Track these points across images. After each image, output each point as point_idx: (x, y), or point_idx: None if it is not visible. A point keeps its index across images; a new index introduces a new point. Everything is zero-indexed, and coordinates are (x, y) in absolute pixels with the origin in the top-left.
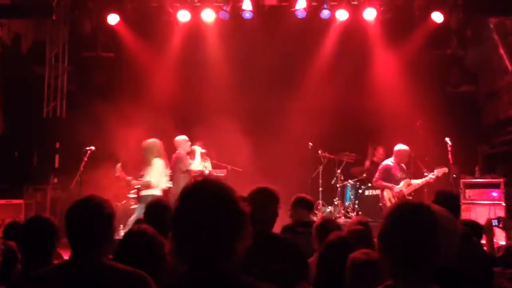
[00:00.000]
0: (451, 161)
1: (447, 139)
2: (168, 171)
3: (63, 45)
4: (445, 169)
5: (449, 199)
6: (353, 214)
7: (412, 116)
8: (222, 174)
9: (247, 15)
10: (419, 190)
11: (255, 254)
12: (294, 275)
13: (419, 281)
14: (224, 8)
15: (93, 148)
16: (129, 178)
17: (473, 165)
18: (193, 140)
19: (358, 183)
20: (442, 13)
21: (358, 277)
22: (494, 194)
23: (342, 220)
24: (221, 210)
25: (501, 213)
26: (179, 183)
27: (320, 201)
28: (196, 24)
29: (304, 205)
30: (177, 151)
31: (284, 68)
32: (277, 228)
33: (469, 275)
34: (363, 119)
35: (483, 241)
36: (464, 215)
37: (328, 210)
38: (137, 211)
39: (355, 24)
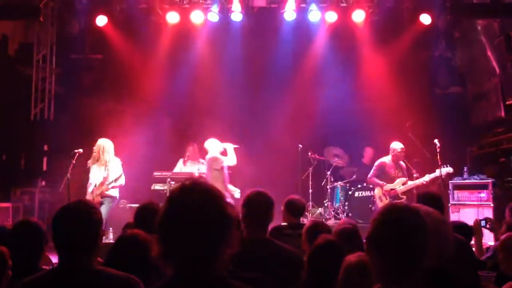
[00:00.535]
0: (439, 162)
1: (435, 141)
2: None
3: (51, 47)
4: (450, 169)
5: (432, 200)
6: (343, 216)
7: (401, 117)
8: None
9: (236, 17)
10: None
11: (248, 258)
12: (285, 281)
13: (407, 284)
14: (213, 10)
15: (81, 150)
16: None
17: (461, 166)
18: (186, 142)
19: (348, 185)
20: (430, 15)
21: (352, 281)
22: (482, 195)
23: (332, 221)
24: (208, 214)
25: (489, 214)
26: (214, 182)
27: (310, 203)
28: (185, 26)
29: (292, 211)
30: (209, 154)
31: (273, 70)
32: None
33: (459, 277)
34: (352, 120)
35: (472, 242)
36: (453, 217)
37: (318, 211)
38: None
39: (344, 26)
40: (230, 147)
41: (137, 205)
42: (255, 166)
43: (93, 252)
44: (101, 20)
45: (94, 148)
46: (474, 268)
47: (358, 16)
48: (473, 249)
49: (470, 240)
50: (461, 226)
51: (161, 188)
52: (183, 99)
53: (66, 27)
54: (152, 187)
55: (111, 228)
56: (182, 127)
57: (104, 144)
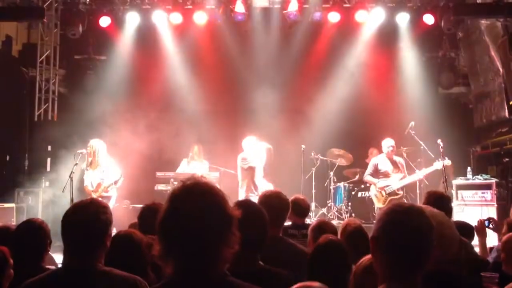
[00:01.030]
0: (443, 163)
1: (439, 141)
2: None
3: (54, 48)
4: (449, 162)
5: (441, 200)
6: (346, 216)
7: (404, 117)
8: (216, 176)
9: (239, 17)
10: (412, 190)
11: (264, 255)
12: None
13: (412, 285)
14: (216, 10)
15: (84, 151)
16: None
17: (465, 166)
18: (189, 143)
19: (351, 185)
20: (433, 15)
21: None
22: (486, 195)
23: (335, 222)
24: (208, 214)
25: (493, 214)
26: (242, 182)
27: (313, 203)
28: (188, 26)
29: (297, 211)
30: (242, 152)
31: (276, 70)
32: None
33: (460, 278)
34: (355, 120)
35: (476, 243)
36: (456, 216)
37: (321, 212)
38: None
39: (347, 26)
40: (263, 147)
41: (140, 205)
42: None
43: (101, 252)
44: (105, 21)
45: (88, 149)
46: (476, 268)
47: (361, 16)
48: (477, 249)
49: (472, 240)
50: (462, 226)
51: (164, 188)
52: (187, 99)
53: (69, 28)
54: (155, 188)
55: (114, 229)
56: (185, 128)
57: (97, 145)
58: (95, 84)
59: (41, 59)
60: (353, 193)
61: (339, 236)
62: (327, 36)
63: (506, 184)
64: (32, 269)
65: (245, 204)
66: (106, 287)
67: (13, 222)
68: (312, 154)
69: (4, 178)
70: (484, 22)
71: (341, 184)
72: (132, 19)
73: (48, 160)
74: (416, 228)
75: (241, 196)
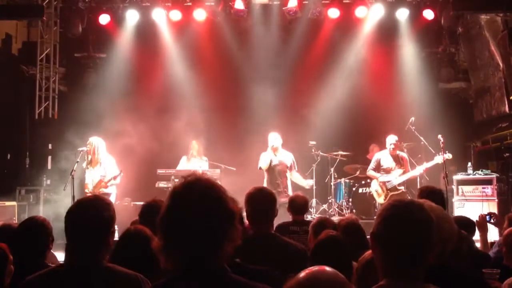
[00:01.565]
0: (443, 158)
1: (439, 136)
2: None
3: (54, 46)
4: (449, 155)
5: (433, 194)
6: (347, 212)
7: (405, 113)
8: (217, 173)
9: (239, 14)
10: (413, 186)
11: (254, 253)
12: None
13: (413, 280)
14: (215, 7)
15: (85, 149)
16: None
17: (465, 161)
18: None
19: (351, 181)
20: (433, 10)
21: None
22: (487, 190)
23: (335, 218)
24: (209, 209)
25: (494, 209)
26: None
27: (314, 199)
28: (187, 24)
29: (294, 209)
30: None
31: (276, 66)
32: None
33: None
34: (356, 117)
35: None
36: (457, 212)
37: (322, 208)
38: None
39: (347, 22)
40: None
41: (141, 202)
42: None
43: (104, 249)
44: (104, 19)
45: (87, 147)
46: (477, 262)
47: (361, 12)
48: (478, 244)
49: (473, 235)
50: (463, 221)
51: (165, 185)
52: (186, 97)
53: (69, 26)
54: (156, 185)
55: (116, 226)
56: (185, 125)
57: (97, 143)
58: (95, 82)
59: (41, 57)
60: (353, 189)
61: None
62: (326, 33)
63: (507, 179)
64: (35, 266)
65: None
66: (108, 283)
67: (15, 220)
68: (313, 150)
69: (5, 177)
70: (483, 17)
71: (342, 180)
72: (131, 17)
73: (49, 158)
74: (416, 223)
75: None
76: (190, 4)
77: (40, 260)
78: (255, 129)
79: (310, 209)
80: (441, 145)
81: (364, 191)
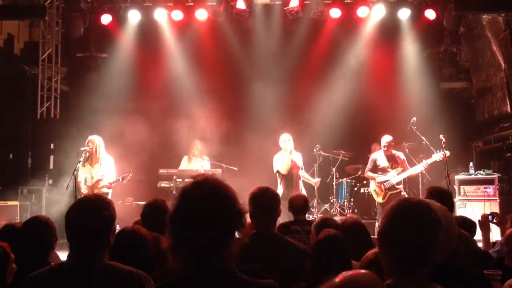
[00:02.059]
0: (445, 158)
1: (441, 136)
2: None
3: (56, 46)
4: (447, 152)
5: (442, 195)
6: (348, 212)
7: (406, 113)
8: (219, 173)
9: (241, 14)
10: (415, 186)
11: (256, 252)
12: (293, 275)
13: (419, 279)
14: (217, 7)
15: (87, 148)
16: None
17: (467, 161)
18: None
19: (353, 181)
20: (434, 10)
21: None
22: (489, 190)
23: (337, 218)
24: (218, 209)
25: (496, 209)
26: (278, 184)
27: (316, 199)
28: (189, 24)
29: (294, 209)
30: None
31: (278, 66)
32: None
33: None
34: (357, 116)
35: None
36: (459, 212)
37: (324, 208)
38: None
39: (349, 22)
40: (288, 148)
41: (143, 202)
42: (261, 163)
43: (105, 247)
44: (106, 19)
45: (90, 145)
46: (478, 261)
47: (363, 12)
48: (480, 244)
49: (474, 235)
50: (463, 221)
51: (167, 185)
52: (188, 96)
53: (71, 26)
54: (158, 185)
55: (118, 226)
56: (187, 124)
57: (99, 142)
58: (97, 82)
59: (43, 57)
60: (355, 189)
61: None
62: (328, 32)
63: (509, 179)
64: (39, 265)
65: None
66: (109, 281)
67: (17, 219)
68: (315, 150)
69: (7, 176)
70: (485, 17)
71: (344, 180)
72: (133, 17)
73: (51, 158)
74: (423, 223)
75: None
76: (191, 4)
77: (44, 259)
78: (257, 129)
79: (312, 209)
80: (443, 145)
81: (365, 191)
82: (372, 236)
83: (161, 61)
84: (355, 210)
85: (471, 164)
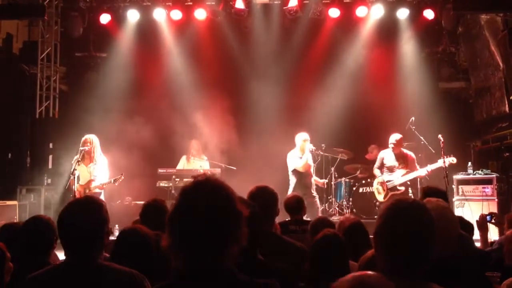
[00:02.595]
0: (443, 158)
1: (439, 136)
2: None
3: (55, 45)
4: (454, 159)
5: (437, 195)
6: (347, 212)
7: (405, 112)
8: (218, 173)
9: (240, 13)
10: (413, 186)
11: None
12: (293, 275)
13: (416, 279)
14: (216, 6)
15: (86, 148)
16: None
17: (465, 161)
18: (188, 138)
19: (352, 181)
20: (433, 10)
21: None
22: (487, 190)
23: (336, 217)
24: (218, 210)
25: (494, 208)
26: (290, 183)
27: None
28: (188, 23)
29: (289, 210)
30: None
31: (277, 66)
32: None
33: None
34: (356, 116)
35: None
36: (457, 212)
37: (322, 207)
38: None
39: (347, 22)
40: (307, 148)
41: (142, 202)
42: (259, 162)
43: (99, 248)
44: (105, 18)
45: (87, 144)
46: (477, 261)
47: (361, 11)
48: (478, 243)
49: (472, 235)
50: (460, 221)
51: (166, 185)
52: (187, 96)
53: (70, 26)
54: (157, 184)
55: (116, 225)
56: (186, 124)
57: (96, 141)
58: (95, 81)
59: (41, 57)
60: (354, 188)
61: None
62: (327, 32)
63: (507, 179)
64: (39, 265)
65: None
66: (105, 281)
67: (16, 219)
68: (313, 149)
69: (6, 176)
70: (484, 17)
71: (342, 180)
72: (132, 16)
73: (50, 157)
74: (417, 223)
75: None
76: (190, 3)
77: (44, 259)
78: (255, 128)
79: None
80: (441, 145)
81: (364, 191)
82: (371, 236)
83: (160, 60)
84: (354, 210)
85: (469, 164)
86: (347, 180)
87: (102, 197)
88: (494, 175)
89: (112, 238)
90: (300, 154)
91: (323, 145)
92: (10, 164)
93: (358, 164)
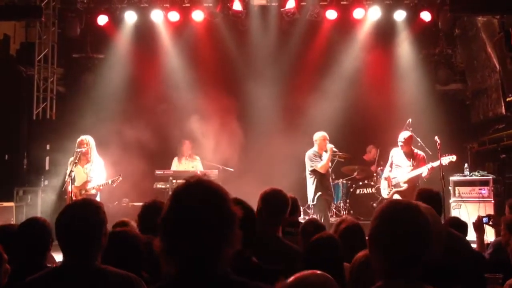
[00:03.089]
0: (440, 159)
1: (436, 137)
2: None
3: (52, 47)
4: (453, 157)
5: (431, 198)
6: (344, 213)
7: (402, 114)
8: (215, 174)
9: (237, 15)
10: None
11: (262, 254)
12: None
13: (410, 281)
14: (214, 8)
15: (83, 150)
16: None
17: (462, 163)
18: (181, 139)
19: (349, 182)
20: (430, 12)
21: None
22: (484, 191)
23: (333, 219)
24: (211, 212)
25: (490, 210)
26: (309, 182)
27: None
28: (186, 25)
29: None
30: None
31: (274, 68)
32: None
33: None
34: (353, 117)
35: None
36: (453, 213)
37: None
38: None
39: (345, 24)
40: (329, 147)
41: (139, 203)
42: (256, 164)
43: (97, 251)
44: (102, 20)
45: (83, 145)
46: (471, 262)
47: (358, 13)
48: (474, 245)
49: (466, 235)
50: (455, 222)
51: (163, 186)
52: (185, 97)
53: (67, 27)
54: (154, 186)
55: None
56: (184, 126)
57: (92, 142)
58: (93, 83)
59: (39, 58)
60: (351, 190)
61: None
62: (324, 34)
63: (503, 181)
64: (36, 267)
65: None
66: (102, 285)
67: (13, 221)
68: (333, 148)
69: (3, 177)
70: (480, 19)
71: (340, 181)
72: (129, 18)
73: (47, 159)
74: (411, 224)
75: None
76: (188, 5)
77: (41, 261)
78: (252, 130)
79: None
80: (438, 147)
81: (361, 192)
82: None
83: (158, 62)
84: (351, 211)
85: (466, 165)
86: (345, 181)
87: (98, 198)
88: (490, 177)
89: None
90: (320, 153)
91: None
92: (7, 165)
93: (355, 165)
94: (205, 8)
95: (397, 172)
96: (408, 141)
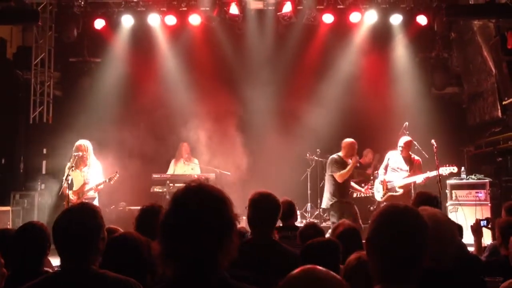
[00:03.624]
0: (436, 163)
1: (432, 141)
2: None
3: (49, 51)
4: (454, 169)
5: (429, 200)
6: None
7: (398, 118)
8: (212, 177)
9: (234, 19)
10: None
11: (253, 259)
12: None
13: (407, 284)
14: (211, 12)
15: (80, 154)
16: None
17: (458, 166)
18: (180, 141)
19: None
20: (426, 16)
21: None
22: (480, 194)
23: (330, 222)
24: (209, 218)
25: (487, 213)
26: (327, 185)
27: (309, 204)
28: (182, 28)
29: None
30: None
31: (271, 71)
32: None
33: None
34: (350, 121)
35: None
36: (450, 216)
37: (316, 212)
38: None
39: (341, 28)
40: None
41: (137, 207)
42: (253, 167)
43: (95, 256)
44: (99, 24)
45: (81, 149)
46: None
47: (355, 17)
48: (471, 248)
49: (461, 238)
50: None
51: (160, 190)
52: (182, 101)
53: (64, 31)
54: (151, 189)
55: None
56: (181, 129)
57: (89, 146)
58: (90, 87)
59: (35, 62)
60: None
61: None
62: (321, 38)
63: (500, 184)
64: (33, 271)
65: None
66: None
67: (9, 225)
68: (307, 155)
69: None
70: (476, 23)
71: None
72: (126, 22)
73: (44, 163)
74: (409, 228)
75: None
76: (185, 9)
77: (38, 265)
78: (249, 134)
79: (305, 213)
80: (434, 150)
81: (358, 196)
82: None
83: (154, 66)
84: None
85: (462, 168)
86: None
87: (96, 202)
88: (487, 180)
89: None
90: (344, 159)
91: (318, 150)
92: (4, 169)
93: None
94: (202, 12)
95: (394, 176)
96: (408, 146)
